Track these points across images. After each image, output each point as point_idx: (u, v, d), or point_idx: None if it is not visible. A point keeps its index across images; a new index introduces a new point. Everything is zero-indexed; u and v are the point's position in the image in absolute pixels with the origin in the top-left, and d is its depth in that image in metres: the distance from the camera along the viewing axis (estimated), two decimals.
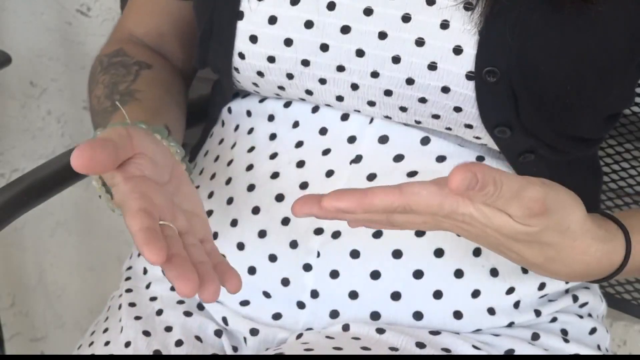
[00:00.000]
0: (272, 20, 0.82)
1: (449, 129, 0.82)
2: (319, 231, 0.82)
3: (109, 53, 0.95)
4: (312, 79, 0.83)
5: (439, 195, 0.66)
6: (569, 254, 0.73)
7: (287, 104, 0.87)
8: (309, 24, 0.81)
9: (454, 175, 0.62)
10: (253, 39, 0.83)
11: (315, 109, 0.86)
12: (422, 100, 0.80)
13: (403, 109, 0.82)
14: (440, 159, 0.83)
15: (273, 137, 0.87)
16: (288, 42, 0.82)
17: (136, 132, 0.71)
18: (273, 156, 0.86)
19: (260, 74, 0.84)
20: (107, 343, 0.87)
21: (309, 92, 0.84)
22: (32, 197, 0.99)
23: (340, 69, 0.81)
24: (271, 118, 0.88)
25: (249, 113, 0.90)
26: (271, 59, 0.83)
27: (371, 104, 0.82)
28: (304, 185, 0.84)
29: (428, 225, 0.70)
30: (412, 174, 0.82)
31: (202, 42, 0.88)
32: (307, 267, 0.82)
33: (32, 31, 1.53)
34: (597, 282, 0.79)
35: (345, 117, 0.85)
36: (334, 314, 0.83)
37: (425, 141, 0.83)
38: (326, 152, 0.84)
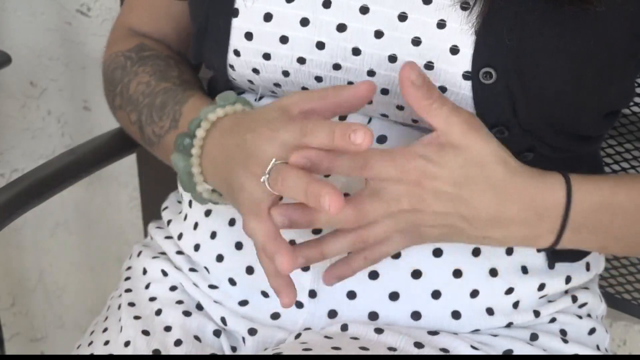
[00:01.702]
0: (268, 17, 0.82)
1: None
2: (317, 231, 0.82)
3: (131, 48, 0.95)
4: (308, 77, 0.83)
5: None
6: (489, 187, 0.73)
7: None
8: (304, 22, 0.81)
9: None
10: (248, 36, 0.83)
11: None
12: None
13: (400, 108, 0.81)
14: None
15: None
16: (284, 40, 0.82)
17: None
18: None
19: (255, 71, 0.84)
20: (106, 342, 0.87)
21: (305, 89, 0.84)
22: (32, 197, 0.99)
23: (337, 67, 0.81)
24: None
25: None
26: (266, 56, 0.83)
27: (368, 101, 0.82)
28: None
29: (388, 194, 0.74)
30: None
31: (197, 39, 0.87)
32: (305, 267, 0.82)
33: (32, 31, 1.53)
34: (558, 239, 0.77)
35: (343, 117, 0.85)
36: (332, 314, 0.83)
37: None
38: None
